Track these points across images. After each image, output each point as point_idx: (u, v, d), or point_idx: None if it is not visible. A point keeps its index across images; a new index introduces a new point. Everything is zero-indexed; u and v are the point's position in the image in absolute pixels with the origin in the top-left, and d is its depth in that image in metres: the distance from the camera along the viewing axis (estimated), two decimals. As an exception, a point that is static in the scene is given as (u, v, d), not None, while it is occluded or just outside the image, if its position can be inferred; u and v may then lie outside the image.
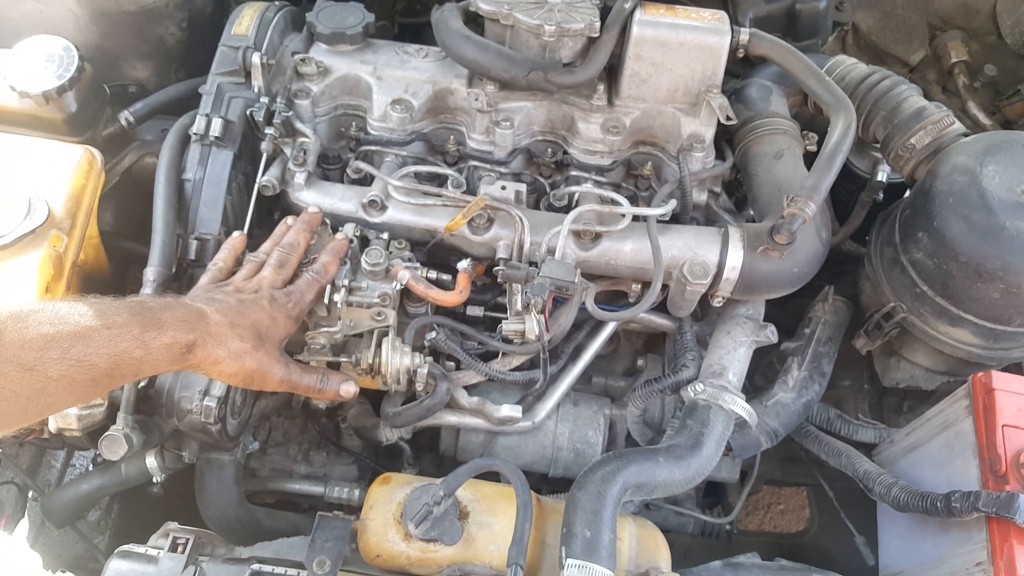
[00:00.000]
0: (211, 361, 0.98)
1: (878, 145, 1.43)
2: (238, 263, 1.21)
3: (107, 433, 1.11)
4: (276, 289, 1.13)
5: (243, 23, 1.36)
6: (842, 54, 1.50)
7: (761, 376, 1.51)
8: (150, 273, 1.20)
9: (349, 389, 1.17)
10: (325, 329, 1.21)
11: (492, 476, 1.17)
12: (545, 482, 1.48)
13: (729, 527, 1.55)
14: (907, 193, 1.63)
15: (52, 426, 1.13)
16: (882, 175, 1.54)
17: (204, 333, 0.96)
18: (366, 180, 1.38)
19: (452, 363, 1.35)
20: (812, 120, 1.53)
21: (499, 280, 1.27)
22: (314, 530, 1.09)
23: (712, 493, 1.68)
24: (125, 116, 1.41)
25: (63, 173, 1.20)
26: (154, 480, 1.27)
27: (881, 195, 1.57)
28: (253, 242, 1.26)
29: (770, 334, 1.35)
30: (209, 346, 0.97)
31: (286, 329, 1.11)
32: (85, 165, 1.22)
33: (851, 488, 1.42)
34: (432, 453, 1.51)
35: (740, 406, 1.27)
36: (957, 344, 1.31)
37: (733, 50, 1.32)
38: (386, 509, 1.12)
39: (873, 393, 1.61)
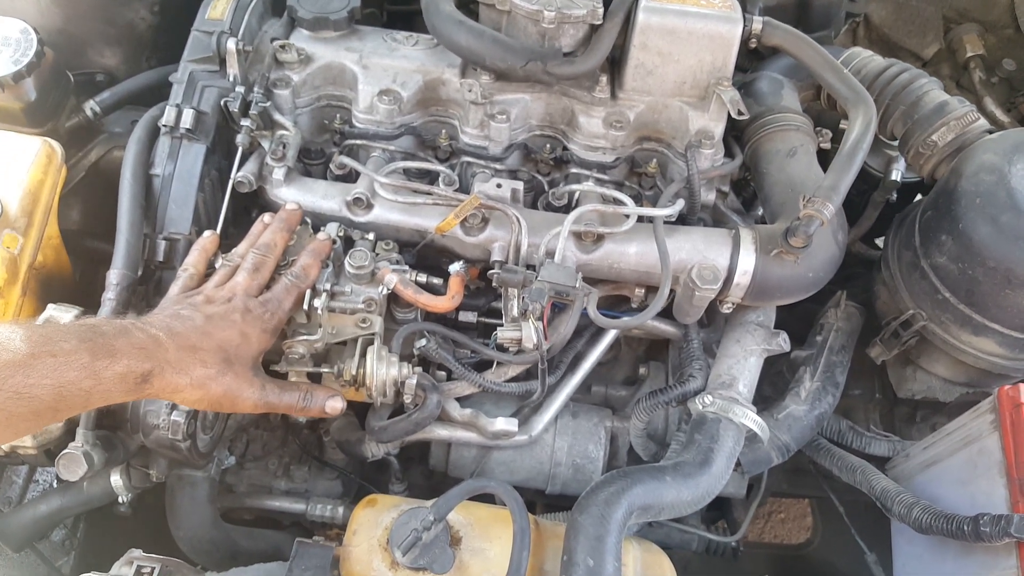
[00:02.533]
0: (171, 390, 0.90)
1: (895, 142, 1.35)
2: (211, 266, 1.12)
3: (65, 451, 1.02)
4: (251, 298, 1.04)
5: (218, 6, 1.27)
6: (855, 46, 1.42)
7: (770, 385, 1.44)
8: (113, 276, 1.11)
9: (336, 405, 1.08)
10: (305, 337, 1.12)
11: (487, 497, 1.09)
12: (541, 495, 1.40)
13: (735, 544, 1.48)
14: (919, 195, 1.57)
15: (4, 444, 1.03)
16: (896, 174, 1.48)
17: (162, 361, 0.88)
18: (351, 176, 1.29)
19: (443, 373, 1.27)
20: (821, 115, 1.46)
21: (494, 284, 1.19)
22: (292, 558, 1.01)
23: (715, 507, 1.61)
24: (91, 106, 1.32)
25: (19, 167, 1.10)
26: (120, 500, 1.18)
27: (895, 195, 1.50)
28: (228, 243, 1.17)
29: (782, 342, 1.28)
30: (167, 375, 0.88)
31: (260, 345, 1.02)
32: (44, 159, 1.12)
33: (857, 500, 1.36)
34: (422, 465, 1.43)
35: (751, 419, 1.19)
36: (980, 354, 1.24)
37: (745, 40, 1.24)
38: (371, 534, 1.04)
39: (884, 403, 1.55)
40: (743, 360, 1.26)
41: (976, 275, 1.16)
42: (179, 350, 0.90)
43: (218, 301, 1.02)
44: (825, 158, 1.25)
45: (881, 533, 1.40)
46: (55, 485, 1.41)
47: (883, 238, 1.42)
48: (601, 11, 1.22)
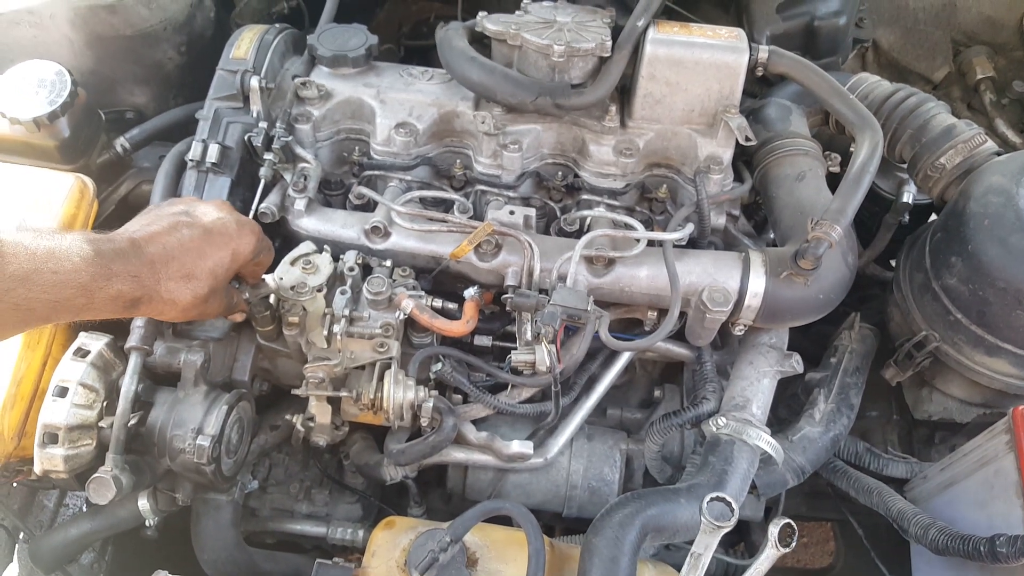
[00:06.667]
0: (155, 313, 0.95)
1: (905, 165, 1.37)
2: None
3: (94, 475, 1.05)
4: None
5: (242, 46, 1.32)
6: (863, 72, 1.44)
7: (785, 407, 1.44)
8: (141, 308, 1.14)
9: (236, 318, 1.16)
10: (324, 362, 1.15)
11: (503, 519, 1.11)
12: (559, 519, 1.41)
13: (753, 568, 1.47)
14: (932, 216, 1.57)
15: (38, 468, 1.07)
16: (908, 196, 1.48)
17: (152, 291, 0.91)
18: (369, 206, 1.33)
19: (459, 396, 1.29)
20: (831, 140, 1.48)
21: (508, 309, 1.21)
22: (312, 578, 1.03)
23: (734, 530, 1.59)
24: (121, 142, 1.38)
25: (53, 202, 1.16)
26: (147, 523, 1.21)
27: (907, 217, 1.51)
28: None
29: (795, 364, 1.29)
30: (155, 303, 0.92)
31: (244, 263, 1.04)
32: (76, 194, 1.18)
33: (879, 523, 1.35)
34: (440, 488, 1.45)
35: (765, 441, 1.20)
36: (994, 375, 1.24)
37: (751, 68, 1.26)
38: (389, 556, 1.05)
39: (902, 424, 1.54)
40: (756, 382, 1.26)
41: (987, 296, 1.16)
42: (171, 279, 0.93)
43: (215, 207, 1.03)
44: (835, 182, 1.27)
45: (903, 556, 1.38)
46: (85, 509, 1.44)
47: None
48: (609, 44, 1.25)
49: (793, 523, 0.91)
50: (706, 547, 0.91)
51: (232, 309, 1.10)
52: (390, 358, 1.18)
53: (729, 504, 0.88)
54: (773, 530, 0.91)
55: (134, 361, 1.11)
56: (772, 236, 1.36)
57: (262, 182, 1.25)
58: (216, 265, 0.98)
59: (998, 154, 1.25)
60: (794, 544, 0.91)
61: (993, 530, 1.08)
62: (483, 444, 1.27)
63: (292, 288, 1.15)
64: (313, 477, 1.44)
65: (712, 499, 0.89)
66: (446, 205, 1.32)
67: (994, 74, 1.79)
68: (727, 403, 1.26)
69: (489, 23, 1.29)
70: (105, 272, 0.85)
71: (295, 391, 1.19)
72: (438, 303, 1.22)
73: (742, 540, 1.61)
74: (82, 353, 1.10)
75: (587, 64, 1.28)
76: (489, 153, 1.32)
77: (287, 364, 1.29)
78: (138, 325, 1.13)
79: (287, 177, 1.28)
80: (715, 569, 1.46)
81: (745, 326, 1.24)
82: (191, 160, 1.24)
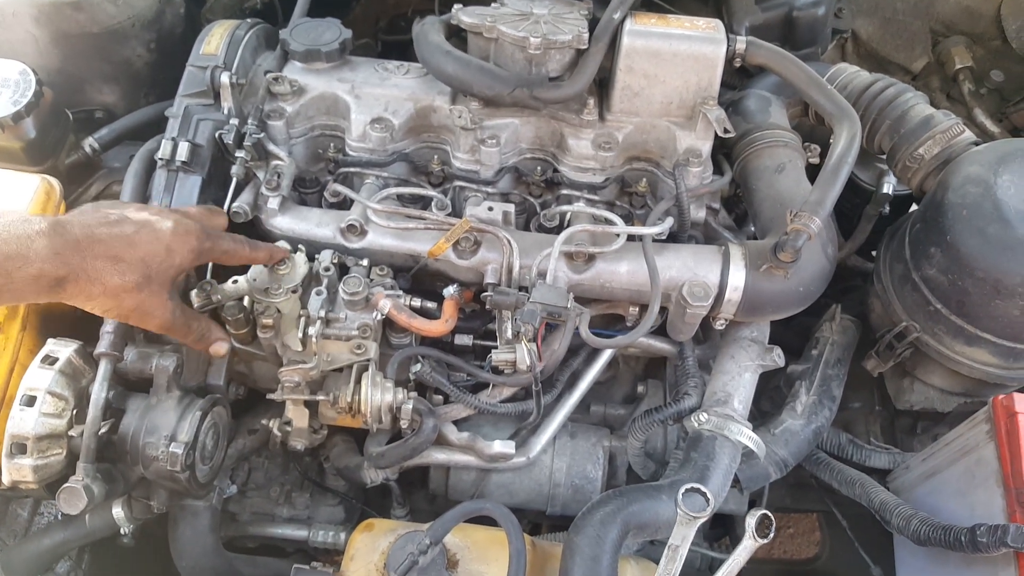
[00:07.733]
0: (84, 297, 0.93)
1: (884, 156, 1.36)
2: None
3: (65, 485, 1.03)
4: (187, 218, 1.04)
5: (212, 42, 1.29)
6: (842, 62, 1.44)
7: (768, 400, 1.44)
8: (109, 311, 1.12)
9: (219, 351, 1.12)
10: (300, 365, 1.13)
11: (486, 519, 1.10)
12: (545, 516, 1.40)
13: (738, 562, 1.47)
14: (913, 206, 1.57)
15: (6, 479, 1.05)
16: (888, 187, 1.48)
17: (78, 268, 0.89)
18: (345, 204, 1.31)
19: (440, 397, 1.28)
20: (812, 131, 1.48)
21: (487, 307, 1.19)
22: (290, 584, 1.01)
23: (719, 525, 1.60)
24: (90, 143, 1.35)
25: (18, 205, 1.13)
26: (122, 531, 1.18)
27: (887, 208, 1.51)
28: (226, 272, 1.19)
29: (776, 357, 1.28)
30: (82, 283, 0.90)
31: (183, 265, 1.02)
32: (42, 195, 1.15)
33: (864, 513, 1.35)
34: (424, 489, 1.44)
35: (747, 436, 1.19)
36: (974, 364, 1.24)
37: (729, 60, 1.26)
38: (368, 559, 1.04)
39: (885, 415, 1.54)
40: (738, 376, 1.26)
41: (966, 286, 1.16)
42: (98, 259, 0.91)
43: (152, 210, 1.01)
44: (815, 173, 1.26)
45: (887, 546, 1.38)
46: (60, 518, 1.41)
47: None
48: (586, 36, 1.24)
49: (771, 514, 0.90)
50: (683, 539, 0.91)
51: (201, 336, 1.08)
52: (368, 360, 1.16)
53: (704, 495, 0.88)
54: (751, 521, 0.90)
55: (104, 368, 1.08)
56: (753, 229, 1.35)
57: (234, 181, 1.23)
58: (148, 255, 0.96)
59: (976, 144, 1.25)
60: (772, 535, 0.91)
61: (975, 519, 1.09)
62: (465, 445, 1.26)
63: (266, 289, 1.13)
64: (293, 480, 1.42)
65: (687, 490, 0.88)
66: (424, 202, 1.30)
67: (972, 64, 1.79)
68: (709, 398, 1.25)
69: (464, 15, 1.27)
70: (23, 251, 0.84)
71: (271, 396, 1.17)
72: (417, 302, 1.21)
73: (727, 534, 1.61)
74: (50, 360, 1.07)
75: (564, 57, 1.27)
76: (467, 148, 1.31)
77: (263, 367, 1.27)
78: (108, 331, 1.10)
79: (260, 175, 1.25)
80: (700, 563, 1.46)
81: (726, 320, 1.23)
82: (161, 159, 1.21)
